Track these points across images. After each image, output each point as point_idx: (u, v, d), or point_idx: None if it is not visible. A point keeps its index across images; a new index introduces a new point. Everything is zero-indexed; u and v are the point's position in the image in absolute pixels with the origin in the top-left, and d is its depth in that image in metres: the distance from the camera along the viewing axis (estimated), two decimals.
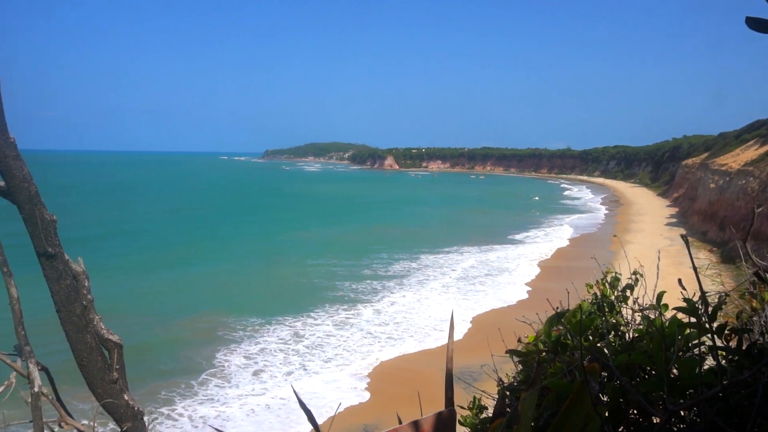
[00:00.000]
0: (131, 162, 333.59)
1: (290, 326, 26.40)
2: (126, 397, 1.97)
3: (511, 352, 2.13)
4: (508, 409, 2.01)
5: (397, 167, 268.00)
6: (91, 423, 1.82)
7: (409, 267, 40.38)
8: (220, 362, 22.16)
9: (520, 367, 2.20)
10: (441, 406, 1.82)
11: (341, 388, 19.87)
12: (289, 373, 21.18)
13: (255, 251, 46.84)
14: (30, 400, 1.64)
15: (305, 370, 21.57)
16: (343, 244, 49.41)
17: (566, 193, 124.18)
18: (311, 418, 1.35)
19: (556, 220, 70.71)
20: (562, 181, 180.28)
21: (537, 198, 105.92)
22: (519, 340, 2.25)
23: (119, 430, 1.93)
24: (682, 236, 1.78)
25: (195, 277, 36.62)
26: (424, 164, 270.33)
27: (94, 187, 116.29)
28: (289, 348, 23.79)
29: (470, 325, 25.84)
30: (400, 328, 26.14)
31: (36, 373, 1.64)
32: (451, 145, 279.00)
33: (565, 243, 51.19)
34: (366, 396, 19.35)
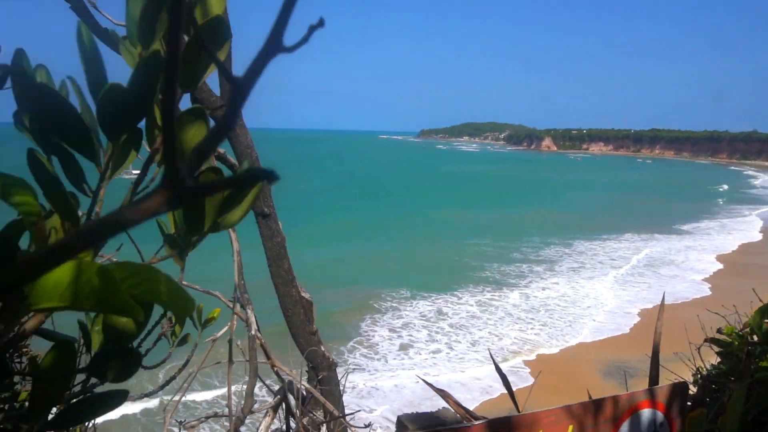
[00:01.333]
0: (295, 139, 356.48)
1: (433, 303, 26.62)
2: (323, 348, 2.17)
3: (712, 341, 1.98)
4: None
5: (555, 149, 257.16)
6: (295, 370, 2.02)
7: (562, 252, 38.65)
8: (366, 332, 22.94)
9: (714, 360, 2.04)
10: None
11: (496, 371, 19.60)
12: (437, 351, 21.41)
13: (411, 228, 47.94)
14: (247, 342, 1.87)
15: (451, 349, 21.69)
16: (496, 226, 48.70)
17: (757, 182, 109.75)
18: (507, 383, 1.38)
19: (743, 210, 62.97)
20: (747, 167, 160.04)
21: (725, 187, 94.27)
22: (719, 331, 2.08)
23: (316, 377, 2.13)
24: None
25: (352, 250, 38.39)
26: (585, 146, 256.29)
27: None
28: (433, 325, 24.00)
29: (638, 319, 24.17)
30: (555, 316, 25.22)
31: (253, 318, 1.86)
32: (615, 126, 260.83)
33: (754, 237, 45.37)
34: (526, 380, 18.80)
